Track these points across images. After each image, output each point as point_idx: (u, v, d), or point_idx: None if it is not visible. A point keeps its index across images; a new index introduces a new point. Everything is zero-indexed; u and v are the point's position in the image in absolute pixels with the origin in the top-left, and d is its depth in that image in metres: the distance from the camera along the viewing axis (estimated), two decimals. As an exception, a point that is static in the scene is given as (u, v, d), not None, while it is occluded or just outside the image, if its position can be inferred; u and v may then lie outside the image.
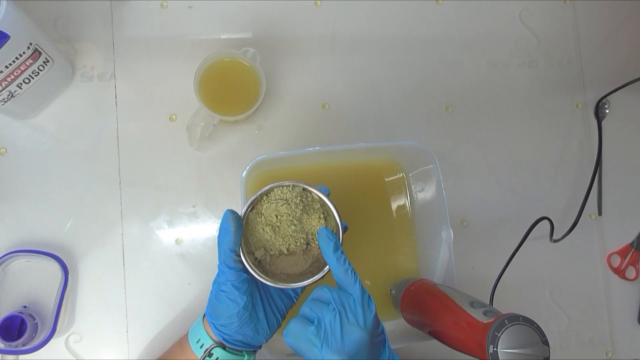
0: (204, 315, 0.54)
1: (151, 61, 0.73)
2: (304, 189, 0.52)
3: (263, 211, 0.51)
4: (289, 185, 0.51)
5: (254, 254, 0.52)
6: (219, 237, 0.49)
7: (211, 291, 0.52)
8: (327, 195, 0.52)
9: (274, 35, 0.75)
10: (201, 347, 0.52)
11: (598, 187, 0.81)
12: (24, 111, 0.69)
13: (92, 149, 0.71)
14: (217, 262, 0.50)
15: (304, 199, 0.51)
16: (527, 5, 0.81)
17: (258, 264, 0.52)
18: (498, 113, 0.80)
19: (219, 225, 0.49)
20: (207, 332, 0.53)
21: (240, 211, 0.51)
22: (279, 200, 0.50)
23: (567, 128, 0.81)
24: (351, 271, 0.48)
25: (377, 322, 0.48)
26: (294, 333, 0.47)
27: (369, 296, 0.48)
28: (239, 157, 0.73)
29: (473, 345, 0.49)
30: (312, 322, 0.47)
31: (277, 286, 0.50)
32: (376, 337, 0.48)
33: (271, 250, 0.51)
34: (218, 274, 0.51)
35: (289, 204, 0.50)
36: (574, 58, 0.82)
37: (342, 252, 0.48)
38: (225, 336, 0.51)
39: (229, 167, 0.73)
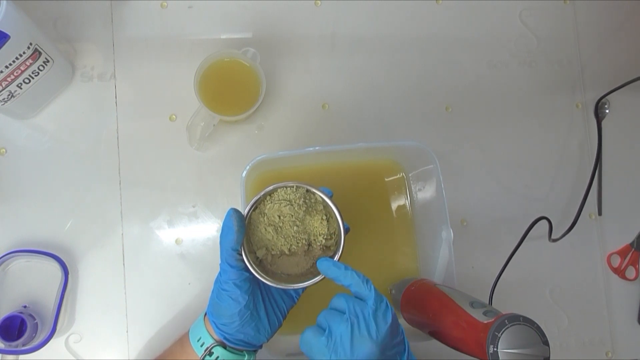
0: (205, 314, 0.54)
1: (151, 61, 0.73)
2: (307, 190, 0.52)
3: (266, 211, 0.51)
4: (293, 186, 0.51)
5: (255, 253, 0.52)
6: (221, 235, 0.49)
7: (213, 290, 0.52)
8: (330, 197, 0.52)
9: (274, 35, 0.75)
10: (202, 345, 0.52)
11: (598, 187, 0.81)
12: (24, 111, 0.69)
13: (92, 149, 0.71)
14: (219, 261, 0.50)
15: (307, 201, 0.51)
16: (527, 5, 0.81)
17: (259, 263, 0.52)
18: (498, 113, 0.80)
19: (220, 224, 0.49)
20: (208, 331, 0.53)
21: (243, 210, 0.51)
22: (282, 201, 0.50)
23: (567, 128, 0.81)
24: (363, 281, 0.47)
25: (393, 333, 0.47)
26: (308, 342, 0.47)
27: (387, 305, 0.47)
28: (239, 157, 0.73)
29: (473, 345, 0.49)
30: (325, 332, 0.46)
31: (278, 286, 0.50)
32: (391, 348, 0.47)
33: (273, 250, 0.51)
34: (220, 273, 0.51)
35: (292, 205, 0.50)
36: (574, 58, 0.82)
37: (346, 267, 0.48)
38: (226, 335, 0.51)
39: (229, 167, 0.72)
